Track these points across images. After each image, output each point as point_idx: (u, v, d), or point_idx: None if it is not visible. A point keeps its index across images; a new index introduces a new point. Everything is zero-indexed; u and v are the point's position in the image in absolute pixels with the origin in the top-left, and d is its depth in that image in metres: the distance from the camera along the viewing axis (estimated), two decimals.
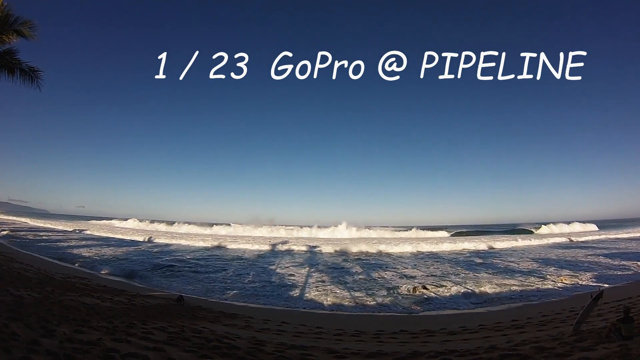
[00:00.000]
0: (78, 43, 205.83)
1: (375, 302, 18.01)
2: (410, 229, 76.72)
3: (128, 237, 53.90)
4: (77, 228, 73.37)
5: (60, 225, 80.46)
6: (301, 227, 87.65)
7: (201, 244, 46.30)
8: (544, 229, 76.23)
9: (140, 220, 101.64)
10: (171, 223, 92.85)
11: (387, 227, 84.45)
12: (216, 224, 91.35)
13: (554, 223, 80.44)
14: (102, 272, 24.83)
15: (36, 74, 16.97)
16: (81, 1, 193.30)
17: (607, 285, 19.37)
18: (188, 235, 64.73)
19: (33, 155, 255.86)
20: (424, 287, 20.78)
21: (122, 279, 22.81)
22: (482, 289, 20.28)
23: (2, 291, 12.73)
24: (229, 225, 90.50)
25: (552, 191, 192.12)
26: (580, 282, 21.33)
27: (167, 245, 44.63)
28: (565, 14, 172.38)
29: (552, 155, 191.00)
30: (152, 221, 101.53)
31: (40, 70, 17.08)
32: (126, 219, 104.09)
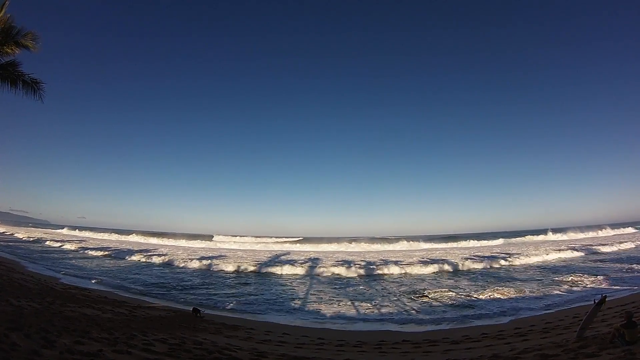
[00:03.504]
0: (78, 51, 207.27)
1: (378, 312, 17.93)
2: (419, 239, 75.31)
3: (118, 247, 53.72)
4: (30, 235, 72.85)
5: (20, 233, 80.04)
6: (307, 239, 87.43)
7: (200, 255, 46.05)
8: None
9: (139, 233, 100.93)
10: (163, 234, 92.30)
11: (397, 237, 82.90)
12: (215, 235, 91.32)
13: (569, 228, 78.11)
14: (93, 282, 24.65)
15: (38, 85, 17.04)
16: (79, 9, 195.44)
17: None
18: (186, 247, 64.67)
19: (34, 165, 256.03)
20: (427, 297, 20.72)
21: (121, 291, 22.66)
22: (488, 296, 20.21)
23: (2, 301, 12.69)
24: (230, 237, 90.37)
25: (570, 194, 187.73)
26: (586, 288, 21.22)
27: (165, 257, 44.14)
28: (565, 13, 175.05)
29: (569, 156, 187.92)
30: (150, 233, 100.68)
31: (42, 82, 17.17)
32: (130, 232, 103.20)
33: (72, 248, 52.01)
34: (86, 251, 48.20)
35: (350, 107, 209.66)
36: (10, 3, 15.62)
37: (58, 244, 56.95)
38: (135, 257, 42.21)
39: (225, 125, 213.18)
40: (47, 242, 59.55)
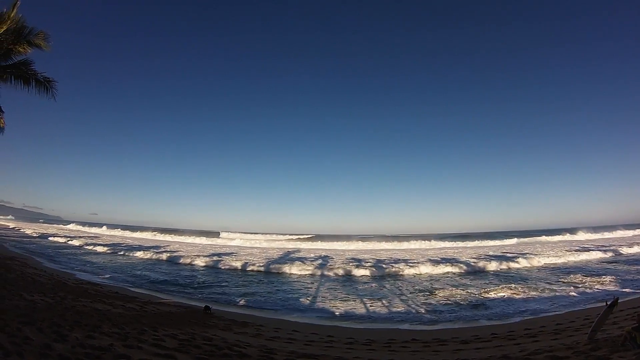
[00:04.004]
0: (89, 49, 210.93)
1: (388, 310, 17.88)
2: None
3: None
4: (39, 231, 73.82)
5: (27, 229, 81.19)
6: (318, 237, 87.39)
7: (209, 252, 46.33)
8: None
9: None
10: (170, 231, 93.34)
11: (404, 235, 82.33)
12: (222, 232, 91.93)
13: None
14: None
15: (51, 84, 17.26)
16: (80, 9, 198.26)
17: None
18: (194, 244, 65.27)
19: (48, 162, 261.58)
20: (438, 295, 20.60)
21: (132, 287, 22.95)
22: (499, 296, 20.00)
23: (15, 296, 12.96)
24: (240, 234, 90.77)
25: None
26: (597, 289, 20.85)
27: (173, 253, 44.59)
28: (565, 13, 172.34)
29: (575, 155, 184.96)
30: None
31: (54, 81, 17.37)
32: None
33: (79, 244, 52.77)
34: (95, 247, 48.88)
35: (359, 106, 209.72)
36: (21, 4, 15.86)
37: (64, 240, 58.02)
38: (144, 254, 42.60)
39: (234, 123, 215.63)
40: (56, 239, 60.53)
